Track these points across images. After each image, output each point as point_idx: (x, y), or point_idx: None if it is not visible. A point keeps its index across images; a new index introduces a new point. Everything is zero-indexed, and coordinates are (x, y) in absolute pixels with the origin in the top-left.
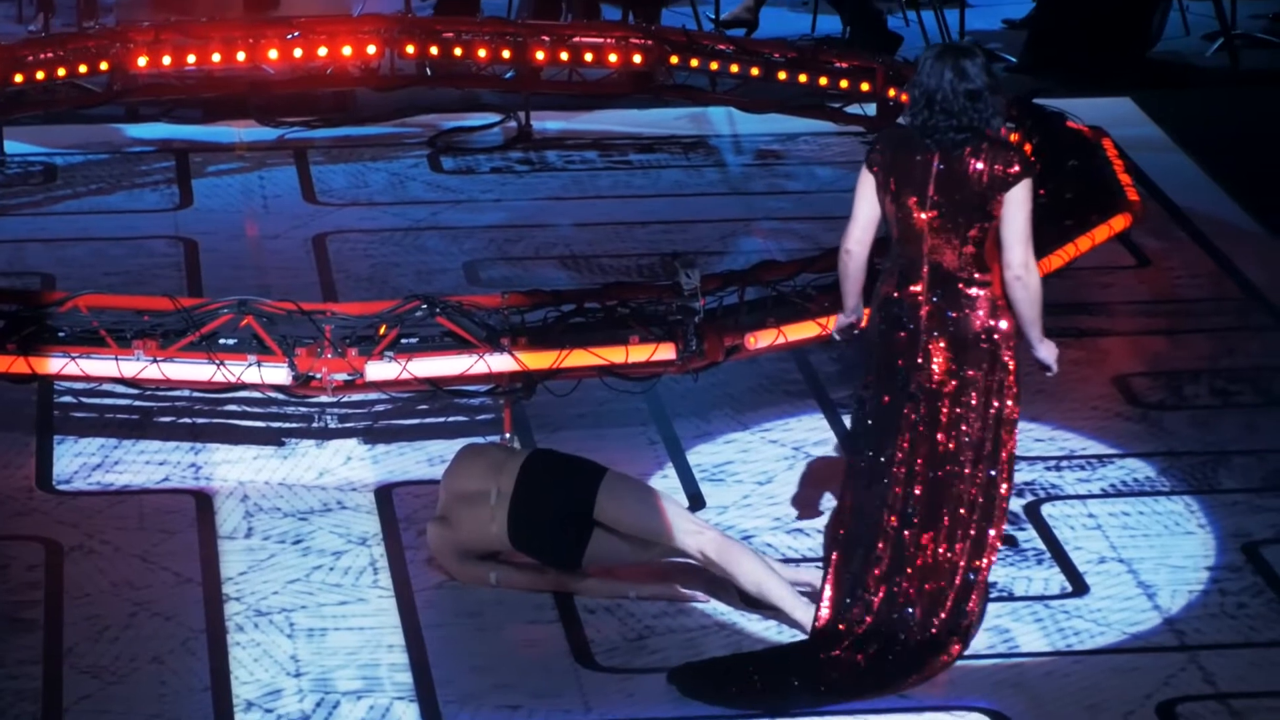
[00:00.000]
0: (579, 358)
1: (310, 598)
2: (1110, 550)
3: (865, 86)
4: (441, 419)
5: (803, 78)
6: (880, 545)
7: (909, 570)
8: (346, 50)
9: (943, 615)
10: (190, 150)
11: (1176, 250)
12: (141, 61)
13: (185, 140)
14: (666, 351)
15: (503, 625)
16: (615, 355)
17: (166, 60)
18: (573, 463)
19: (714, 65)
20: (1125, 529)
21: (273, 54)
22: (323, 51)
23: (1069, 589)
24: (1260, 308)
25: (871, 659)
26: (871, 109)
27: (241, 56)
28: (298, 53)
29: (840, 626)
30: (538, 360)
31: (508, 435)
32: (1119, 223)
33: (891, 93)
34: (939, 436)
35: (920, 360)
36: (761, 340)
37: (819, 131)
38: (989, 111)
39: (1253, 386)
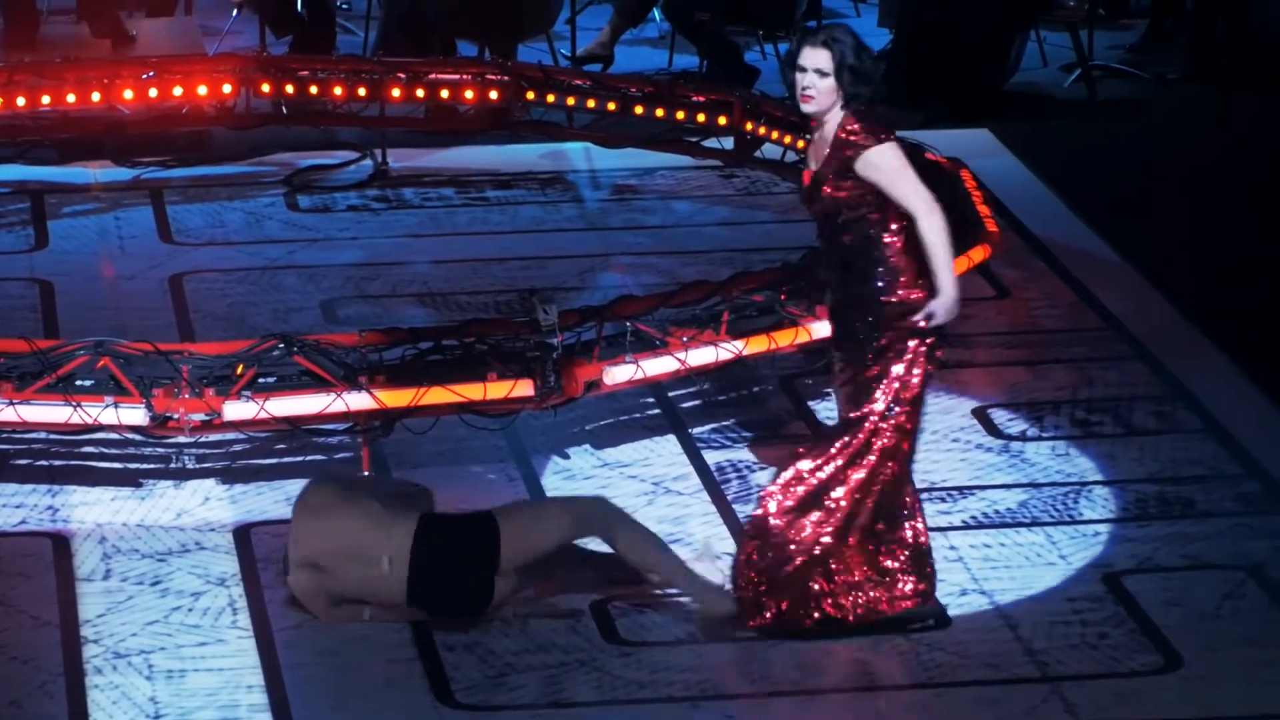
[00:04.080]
0: (437, 395)
1: (169, 639)
2: (972, 582)
3: (722, 120)
4: (300, 458)
5: (660, 112)
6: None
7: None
8: (202, 90)
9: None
10: (45, 191)
11: (1035, 281)
12: None
13: (40, 181)
14: (525, 388)
15: (362, 664)
16: (473, 392)
17: (21, 101)
18: (462, 521)
19: (570, 101)
20: (986, 561)
21: (128, 94)
22: (178, 91)
23: (931, 622)
24: (1119, 337)
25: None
26: (729, 142)
27: (96, 97)
28: (153, 92)
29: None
30: (396, 398)
31: (366, 474)
32: (978, 254)
33: (748, 126)
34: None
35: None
36: (620, 375)
37: (676, 166)
38: None
39: (1113, 417)
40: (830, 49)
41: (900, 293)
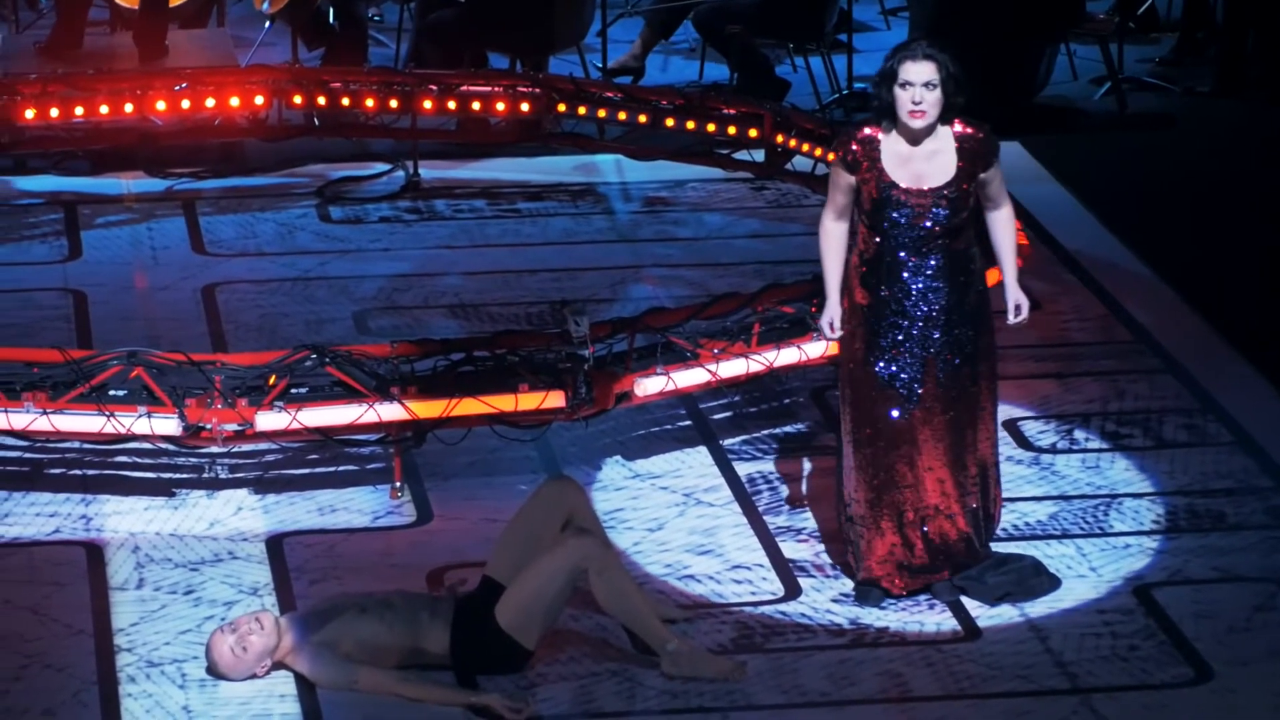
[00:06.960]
0: (469, 406)
1: (202, 648)
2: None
3: (753, 132)
4: (332, 468)
5: (690, 124)
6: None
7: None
8: (234, 101)
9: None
10: (79, 202)
11: (1065, 294)
12: (29, 114)
13: (74, 192)
14: (556, 399)
15: None
16: (505, 403)
17: (54, 112)
18: (470, 607)
19: (602, 113)
20: None
21: (160, 105)
22: (210, 102)
23: (961, 633)
24: (1149, 350)
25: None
26: (759, 155)
27: (129, 108)
28: (185, 104)
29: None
30: (427, 409)
31: (398, 484)
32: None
33: (779, 138)
34: None
35: None
36: (651, 387)
37: (707, 178)
38: None
39: (1143, 430)
40: (934, 60)
41: (983, 287)
